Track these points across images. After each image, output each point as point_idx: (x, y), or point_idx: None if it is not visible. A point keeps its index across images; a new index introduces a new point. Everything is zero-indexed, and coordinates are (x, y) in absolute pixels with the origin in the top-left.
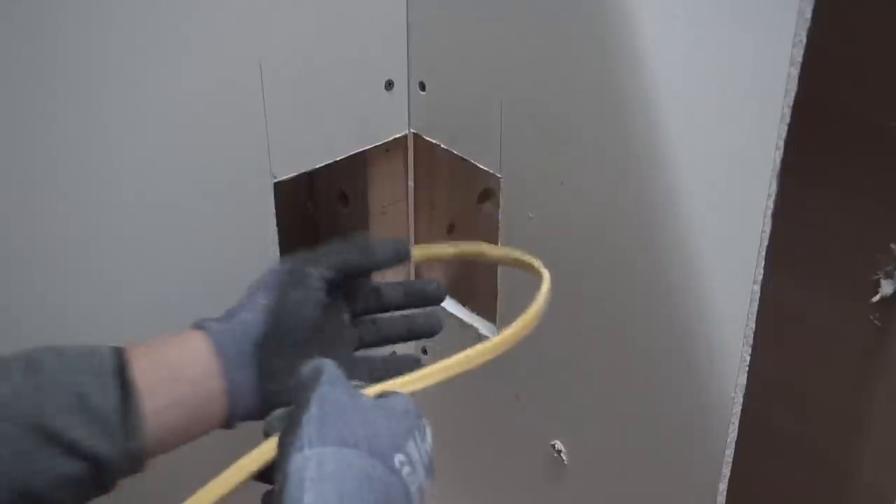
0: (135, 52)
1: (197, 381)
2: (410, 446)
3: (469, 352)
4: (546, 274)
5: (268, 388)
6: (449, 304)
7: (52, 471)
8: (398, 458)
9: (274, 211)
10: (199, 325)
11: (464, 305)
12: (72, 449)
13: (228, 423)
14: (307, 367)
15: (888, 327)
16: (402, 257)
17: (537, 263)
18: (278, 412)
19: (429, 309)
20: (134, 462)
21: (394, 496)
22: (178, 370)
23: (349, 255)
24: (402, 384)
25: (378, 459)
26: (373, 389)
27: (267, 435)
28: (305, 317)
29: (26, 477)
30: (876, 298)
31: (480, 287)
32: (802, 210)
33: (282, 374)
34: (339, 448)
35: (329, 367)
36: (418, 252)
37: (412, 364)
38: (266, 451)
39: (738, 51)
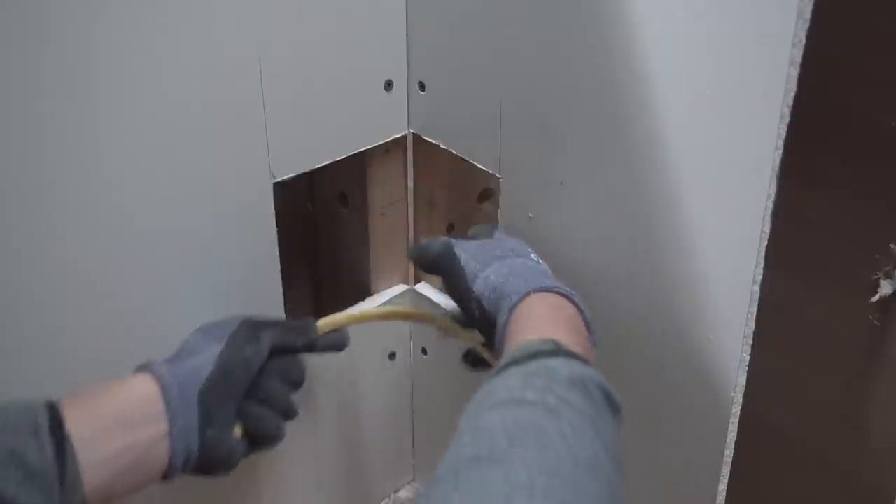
0: (134, 52)
1: (138, 425)
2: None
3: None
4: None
5: (208, 435)
6: (445, 300)
7: None
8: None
9: (274, 211)
10: (145, 368)
11: None
12: None
13: (170, 470)
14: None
15: (888, 327)
16: (339, 349)
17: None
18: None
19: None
20: None
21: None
22: (120, 416)
23: (294, 340)
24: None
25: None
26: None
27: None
28: (251, 372)
29: None
30: (876, 298)
31: None
32: (802, 210)
33: (221, 422)
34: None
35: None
36: (323, 323)
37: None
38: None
39: (738, 51)
